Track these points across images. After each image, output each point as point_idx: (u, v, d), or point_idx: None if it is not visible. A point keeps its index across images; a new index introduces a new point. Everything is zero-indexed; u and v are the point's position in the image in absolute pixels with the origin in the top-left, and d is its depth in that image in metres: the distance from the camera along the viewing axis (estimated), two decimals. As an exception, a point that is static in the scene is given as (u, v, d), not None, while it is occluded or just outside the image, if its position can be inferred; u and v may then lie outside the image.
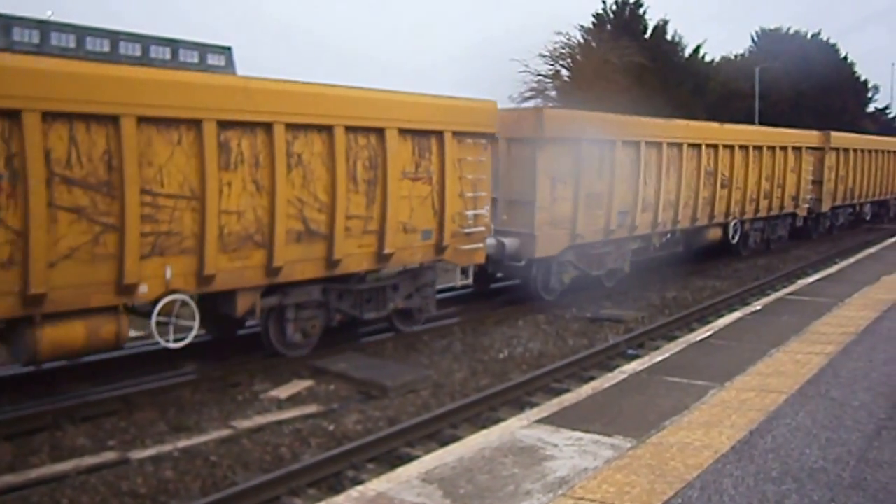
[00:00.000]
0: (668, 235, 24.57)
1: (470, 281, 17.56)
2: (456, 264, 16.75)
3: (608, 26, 61.71)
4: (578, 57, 59.65)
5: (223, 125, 12.28)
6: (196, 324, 12.52)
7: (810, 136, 33.04)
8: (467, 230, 16.40)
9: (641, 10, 62.97)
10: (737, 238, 27.78)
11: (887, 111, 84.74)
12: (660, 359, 11.47)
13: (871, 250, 26.58)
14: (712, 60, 69.31)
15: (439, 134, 15.63)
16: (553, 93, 58.99)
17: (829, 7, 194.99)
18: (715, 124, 26.92)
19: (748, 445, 7.66)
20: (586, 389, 10.00)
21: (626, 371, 10.82)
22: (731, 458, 7.31)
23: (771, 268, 27.49)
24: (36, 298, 10.52)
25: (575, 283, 20.58)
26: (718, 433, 8.02)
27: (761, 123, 47.39)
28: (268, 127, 12.82)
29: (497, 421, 10.34)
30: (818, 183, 33.42)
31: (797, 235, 33.80)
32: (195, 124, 11.93)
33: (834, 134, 34.97)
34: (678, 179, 23.32)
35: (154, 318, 11.87)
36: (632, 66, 55.06)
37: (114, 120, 11.02)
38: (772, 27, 77.92)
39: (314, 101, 13.62)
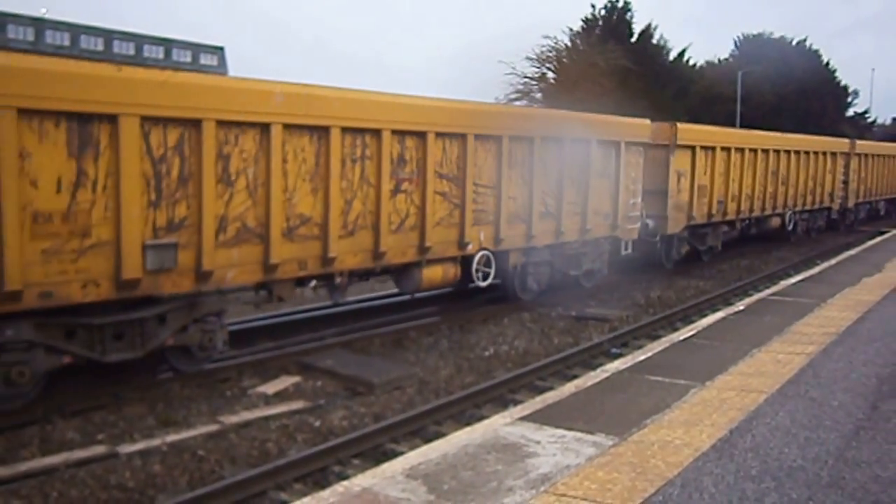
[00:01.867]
0: (746, 221, 30.42)
1: (630, 251, 22.73)
2: (622, 238, 22.07)
3: (596, 30, 61.86)
4: (565, 60, 59.74)
5: (512, 140, 17.72)
6: (493, 271, 17.77)
7: (842, 143, 39.15)
8: (630, 214, 22.16)
9: (628, 15, 63.17)
10: (791, 226, 33.96)
11: (866, 115, 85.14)
12: (643, 358, 11.45)
13: (852, 252, 26.63)
14: (695, 64, 69.61)
15: (618, 143, 21.19)
16: (538, 95, 59.04)
17: (817, 13, 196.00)
18: (777, 134, 32.65)
19: (728, 444, 7.65)
20: (569, 388, 9.97)
21: (610, 370, 10.80)
22: (711, 457, 7.30)
23: (754, 269, 27.59)
24: (426, 249, 15.97)
25: (686, 255, 26.75)
26: (699, 432, 8.01)
27: (742, 127, 47.62)
28: (530, 141, 18.26)
29: (481, 418, 10.32)
30: (845, 183, 39.31)
31: (830, 227, 39.42)
32: (497, 140, 17.39)
33: (859, 142, 41.74)
34: (754, 177, 29.46)
35: (474, 266, 17.27)
36: (617, 69, 55.20)
37: (462, 137, 16.50)
38: (754, 32, 78.28)
39: (605, 125, 20.98)
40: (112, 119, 10.87)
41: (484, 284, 17.67)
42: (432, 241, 15.99)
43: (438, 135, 15.87)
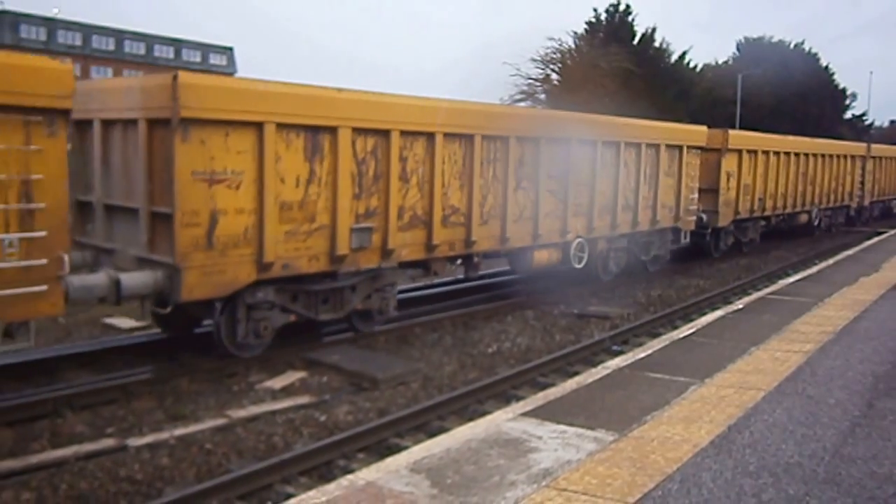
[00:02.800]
0: (780, 216, 33.42)
1: (688, 241, 25.83)
2: (682, 229, 25.04)
3: (600, 33, 61.82)
4: (568, 62, 59.70)
5: (603, 144, 20.53)
6: (586, 256, 20.31)
7: (859, 147, 42.75)
8: (689, 207, 25.12)
9: (631, 18, 63.15)
10: (817, 221, 36.94)
11: (864, 118, 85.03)
12: (643, 355, 11.46)
13: (849, 252, 26.61)
14: (696, 67, 69.50)
15: (681, 147, 24.25)
16: (542, 96, 59.01)
17: (819, 18, 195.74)
18: (806, 139, 36.11)
19: (726, 440, 7.65)
20: (571, 384, 9.99)
21: (610, 366, 10.81)
22: (709, 453, 7.31)
23: (753, 268, 27.55)
24: (538, 236, 18.61)
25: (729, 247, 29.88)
26: (698, 428, 8.02)
27: (742, 128, 47.64)
28: (616, 145, 21.18)
29: (484, 414, 10.31)
30: (862, 183, 42.66)
31: (848, 223, 42.33)
32: (593, 144, 20.22)
33: (874, 146, 45.22)
34: (787, 178, 32.59)
35: (572, 251, 19.73)
36: (619, 71, 55.16)
37: (567, 142, 19.28)
38: (755, 36, 78.20)
39: (672, 132, 24.35)
40: (333, 131, 13.67)
41: (579, 266, 20.23)
42: (543, 229, 18.76)
43: (548, 140, 18.53)
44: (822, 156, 36.16)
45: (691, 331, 13.24)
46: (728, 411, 8.58)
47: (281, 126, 12.83)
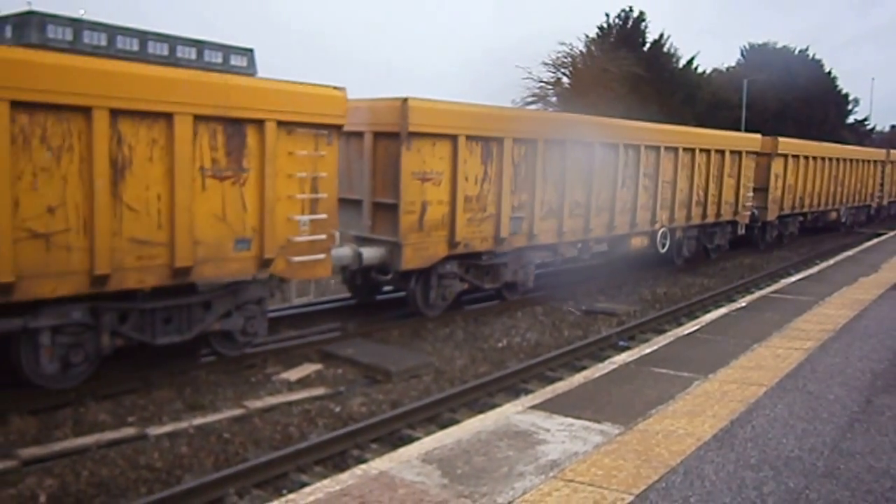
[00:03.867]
0: (815, 213, 36.49)
1: (743, 232, 29.37)
2: (739, 222, 28.63)
3: (611, 38, 61.68)
4: (579, 66, 59.60)
5: (683, 150, 23.95)
6: (668, 242, 23.83)
7: (879, 153, 46.68)
8: (746, 204, 28.63)
9: (643, 25, 62.98)
10: (844, 218, 40.22)
11: (866, 123, 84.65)
12: (648, 351, 11.45)
13: (850, 253, 26.53)
14: (704, 72, 69.30)
15: (741, 152, 27.68)
16: (554, 98, 58.96)
17: (827, 24, 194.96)
18: (838, 146, 39.68)
19: (729, 434, 7.65)
20: (578, 378, 9.98)
21: (617, 361, 10.80)
22: (712, 446, 7.30)
23: (755, 267, 27.49)
24: (635, 224, 21.82)
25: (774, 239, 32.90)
26: (701, 422, 8.01)
27: (747, 132, 47.56)
28: (693, 150, 24.61)
29: (494, 406, 10.30)
30: (882, 185, 46.52)
31: (869, 220, 45.69)
32: (675, 150, 23.68)
33: (892, 151, 49.00)
34: (822, 179, 35.87)
35: (658, 238, 23.19)
36: (629, 75, 55.05)
37: (657, 149, 22.56)
38: (760, 42, 77.91)
39: (735, 140, 28.31)
40: (500, 141, 16.86)
41: (662, 251, 23.76)
42: (638, 220, 22.01)
43: (646, 147, 21.96)
44: (849, 160, 39.42)
45: (696, 327, 13.22)
46: (731, 406, 8.57)
47: (468, 138, 16.12)
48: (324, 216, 13.14)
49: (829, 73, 77.42)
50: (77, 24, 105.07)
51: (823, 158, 35.78)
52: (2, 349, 10.59)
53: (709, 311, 16.28)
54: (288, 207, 12.68)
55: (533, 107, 55.68)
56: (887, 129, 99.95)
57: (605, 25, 63.42)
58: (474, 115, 16.37)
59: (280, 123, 12.34)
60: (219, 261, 11.91)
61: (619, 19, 63.38)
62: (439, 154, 15.64)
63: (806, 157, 33.66)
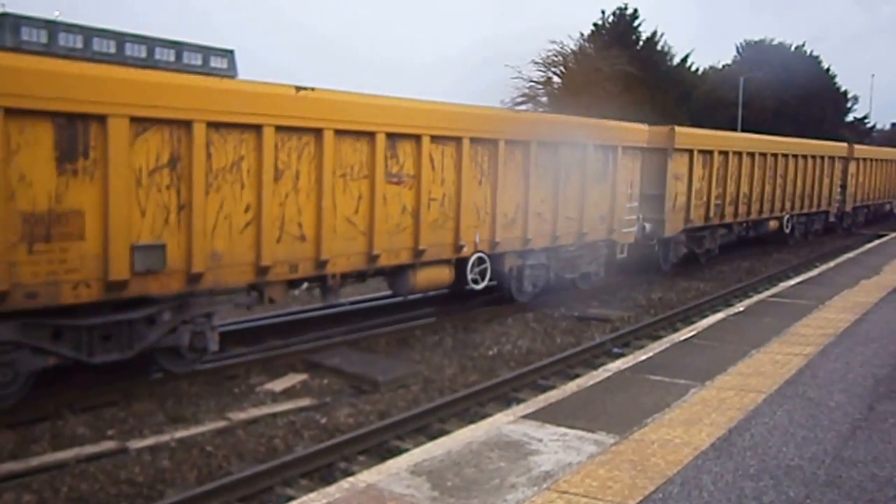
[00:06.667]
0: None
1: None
2: (828, 211, 37.89)
3: (603, 37, 61.82)
4: (571, 65, 59.64)
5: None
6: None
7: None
8: (838, 198, 37.83)
9: (636, 23, 63.16)
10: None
11: (865, 121, 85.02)
12: (644, 357, 11.46)
13: (850, 255, 26.62)
14: (698, 70, 69.54)
15: (824, 157, 35.89)
16: (544, 98, 58.97)
17: (829, 21, 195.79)
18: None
19: (727, 443, 7.66)
20: (571, 386, 10.00)
21: (611, 369, 10.82)
22: (710, 455, 7.31)
23: (754, 271, 27.58)
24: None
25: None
26: (698, 431, 8.02)
27: (744, 131, 47.80)
28: (765, 156, 30.85)
29: (484, 416, 10.32)
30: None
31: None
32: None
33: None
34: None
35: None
36: (621, 74, 55.10)
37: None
38: (756, 39, 78.21)
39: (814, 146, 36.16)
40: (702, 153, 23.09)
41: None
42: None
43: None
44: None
45: (692, 333, 13.25)
46: (729, 414, 8.59)
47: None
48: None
49: (828, 70, 77.83)
50: (52, 26, 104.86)
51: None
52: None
53: (705, 317, 16.29)
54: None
55: (523, 107, 55.65)
56: (888, 126, 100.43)
57: (598, 23, 63.65)
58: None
59: None
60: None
61: (615, 17, 63.57)
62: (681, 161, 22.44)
63: (724, 153, 27.71)
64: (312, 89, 13.19)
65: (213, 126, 11.84)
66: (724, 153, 27.66)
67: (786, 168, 32.89)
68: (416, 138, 15.16)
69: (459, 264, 16.88)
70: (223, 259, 12.21)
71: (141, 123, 11.01)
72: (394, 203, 14.87)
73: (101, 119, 10.58)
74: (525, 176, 17.98)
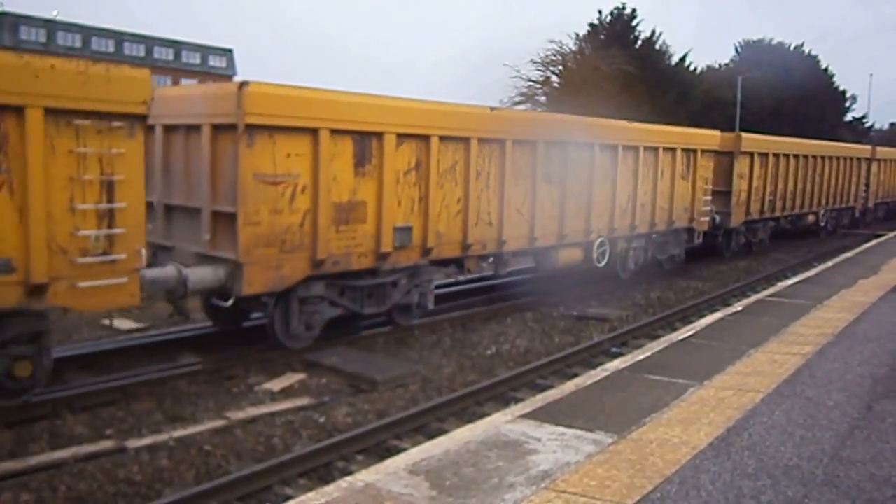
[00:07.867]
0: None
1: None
2: (854, 207, 39.98)
3: (602, 35, 61.80)
4: (569, 64, 59.67)
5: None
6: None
7: (864, 150, 46.77)
8: (863, 195, 38.06)
9: (634, 22, 63.13)
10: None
11: (864, 120, 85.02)
12: (642, 357, 11.47)
13: (848, 255, 26.61)
14: (696, 69, 69.50)
15: (852, 158, 38.12)
16: (542, 98, 59.00)
17: (834, 20, 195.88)
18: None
19: (725, 443, 7.66)
20: (570, 386, 9.99)
21: (609, 369, 10.82)
22: (708, 455, 7.31)
23: (752, 270, 27.57)
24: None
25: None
26: (697, 430, 8.02)
27: (742, 130, 47.83)
28: (806, 158, 33.96)
29: (483, 415, 10.32)
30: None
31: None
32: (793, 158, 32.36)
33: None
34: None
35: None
36: (620, 73, 55.13)
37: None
38: (755, 38, 78.23)
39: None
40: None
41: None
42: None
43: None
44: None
45: (690, 333, 13.25)
46: (727, 413, 8.59)
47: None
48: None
49: (826, 69, 77.85)
50: (51, 25, 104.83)
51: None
52: None
53: (704, 316, 16.30)
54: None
55: (521, 107, 55.68)
56: (886, 126, 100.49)
57: (595, 23, 63.58)
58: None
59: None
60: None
61: (613, 16, 63.53)
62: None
63: (776, 156, 32.05)
64: (499, 109, 17.84)
65: (442, 139, 15.62)
66: (776, 155, 32.06)
67: (822, 168, 37.12)
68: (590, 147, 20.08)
69: (587, 247, 20.62)
70: (443, 238, 16.03)
71: (401, 138, 14.77)
72: (547, 198, 18.69)
73: (380, 136, 14.38)
74: (634, 173, 22.14)
